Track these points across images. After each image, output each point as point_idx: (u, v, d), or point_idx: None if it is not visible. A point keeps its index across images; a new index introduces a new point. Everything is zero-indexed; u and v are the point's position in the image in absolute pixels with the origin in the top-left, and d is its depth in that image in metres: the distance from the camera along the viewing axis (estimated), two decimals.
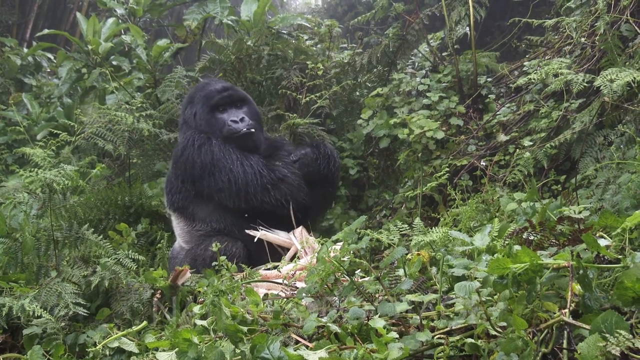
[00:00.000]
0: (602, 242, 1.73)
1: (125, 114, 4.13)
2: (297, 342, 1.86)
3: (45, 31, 6.40)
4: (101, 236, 2.84)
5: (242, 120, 3.51)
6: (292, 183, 3.35)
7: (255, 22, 5.36)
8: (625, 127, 2.95)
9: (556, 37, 4.43)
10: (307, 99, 4.41)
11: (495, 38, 5.75)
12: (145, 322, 2.42)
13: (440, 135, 3.93)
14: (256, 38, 4.97)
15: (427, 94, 4.31)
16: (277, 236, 3.25)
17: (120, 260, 2.63)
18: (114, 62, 5.67)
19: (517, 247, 1.77)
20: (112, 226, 3.87)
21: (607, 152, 3.09)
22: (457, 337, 1.64)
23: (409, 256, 2.23)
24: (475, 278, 1.74)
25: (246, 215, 3.34)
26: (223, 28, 5.69)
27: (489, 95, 4.29)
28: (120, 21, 6.15)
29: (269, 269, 2.85)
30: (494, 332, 1.58)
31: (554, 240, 1.97)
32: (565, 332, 1.56)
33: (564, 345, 1.54)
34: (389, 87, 4.49)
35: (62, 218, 3.01)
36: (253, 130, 3.50)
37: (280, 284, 2.52)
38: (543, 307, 1.61)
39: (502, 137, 3.83)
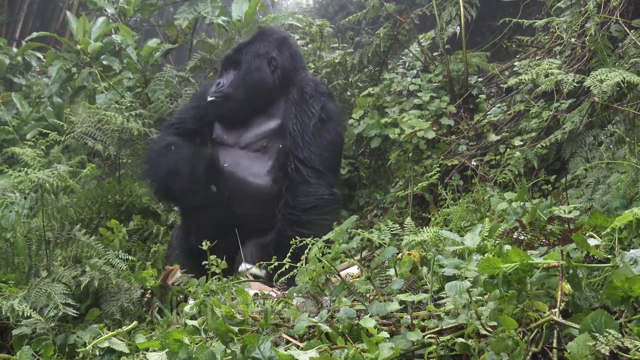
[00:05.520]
0: (592, 242, 1.74)
1: (114, 113, 4.11)
2: (288, 342, 1.86)
3: (34, 34, 6.35)
4: (93, 236, 2.82)
5: (217, 85, 3.33)
6: None
7: (246, 22, 5.35)
8: (615, 127, 2.96)
9: (546, 37, 4.44)
10: None
11: (486, 38, 5.76)
12: (135, 322, 2.41)
13: (431, 135, 3.93)
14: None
15: (418, 94, 4.31)
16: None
17: (110, 260, 2.61)
18: (104, 62, 5.62)
19: (507, 247, 1.77)
20: (104, 225, 3.84)
21: (597, 152, 3.10)
22: (448, 337, 1.64)
23: (399, 256, 2.24)
24: (466, 278, 1.74)
25: None
26: (214, 28, 5.67)
27: (480, 95, 4.30)
28: (110, 21, 6.11)
29: None
30: (484, 332, 1.58)
31: (544, 240, 1.97)
32: (555, 331, 1.56)
33: (554, 345, 1.54)
34: (380, 87, 4.49)
35: (53, 218, 2.99)
36: (219, 99, 3.29)
37: None
38: (533, 306, 1.62)
39: (493, 137, 3.83)
